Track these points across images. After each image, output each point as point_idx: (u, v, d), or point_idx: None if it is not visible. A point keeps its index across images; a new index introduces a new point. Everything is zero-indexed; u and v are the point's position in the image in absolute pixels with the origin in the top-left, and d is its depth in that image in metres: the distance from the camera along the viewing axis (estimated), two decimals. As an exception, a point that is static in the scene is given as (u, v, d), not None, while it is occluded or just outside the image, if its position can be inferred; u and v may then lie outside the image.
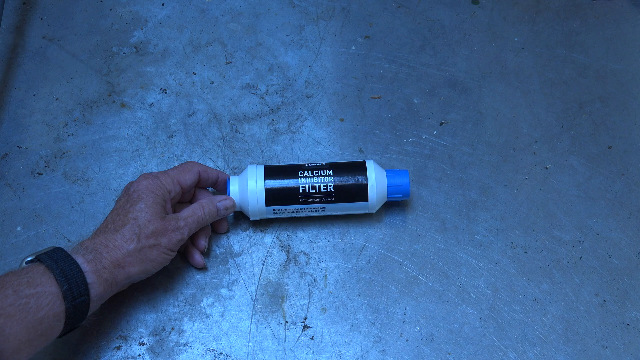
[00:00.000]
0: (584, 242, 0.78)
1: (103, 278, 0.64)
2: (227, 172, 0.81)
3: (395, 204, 0.80)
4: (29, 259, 0.64)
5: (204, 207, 0.73)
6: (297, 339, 0.72)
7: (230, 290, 0.75)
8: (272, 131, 0.85)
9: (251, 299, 0.74)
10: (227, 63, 0.90)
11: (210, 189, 0.79)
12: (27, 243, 0.76)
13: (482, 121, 0.86)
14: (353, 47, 0.91)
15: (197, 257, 0.75)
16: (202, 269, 0.76)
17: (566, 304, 0.74)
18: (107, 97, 0.87)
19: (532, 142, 0.84)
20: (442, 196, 0.80)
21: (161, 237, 0.68)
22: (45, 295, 0.59)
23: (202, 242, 0.75)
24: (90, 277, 0.63)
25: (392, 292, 0.75)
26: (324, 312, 0.74)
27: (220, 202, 0.74)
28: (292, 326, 0.73)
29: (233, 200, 0.75)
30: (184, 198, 0.76)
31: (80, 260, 0.63)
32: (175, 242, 0.70)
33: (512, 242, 0.78)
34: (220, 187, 0.78)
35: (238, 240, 0.78)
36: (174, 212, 0.74)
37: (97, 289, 0.64)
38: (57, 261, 0.62)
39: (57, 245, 0.66)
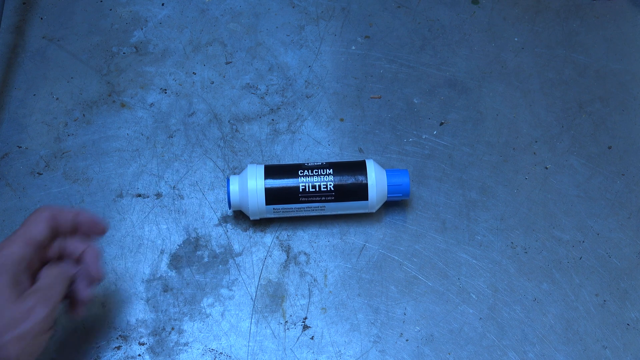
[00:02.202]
0: (584, 242, 0.78)
1: None
2: (227, 172, 0.81)
3: (395, 204, 0.80)
4: None
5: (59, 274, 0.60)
6: (297, 339, 0.72)
7: (230, 290, 0.75)
8: (272, 131, 0.85)
9: (251, 299, 0.74)
10: (227, 63, 0.90)
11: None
12: (27, 243, 0.76)
13: (482, 121, 0.86)
14: (353, 47, 0.91)
15: (79, 309, 0.63)
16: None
17: (566, 304, 0.74)
18: (107, 97, 0.87)
19: (532, 142, 0.84)
20: (442, 196, 0.80)
21: (9, 333, 0.54)
22: None
23: (87, 292, 0.62)
24: None
25: (392, 292, 0.75)
26: (324, 312, 0.74)
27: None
28: (292, 326, 0.73)
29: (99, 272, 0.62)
30: (50, 254, 0.62)
31: None
32: (35, 332, 0.55)
33: (512, 242, 0.78)
34: (85, 228, 0.64)
35: (238, 240, 0.78)
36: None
37: None
38: None
39: None
